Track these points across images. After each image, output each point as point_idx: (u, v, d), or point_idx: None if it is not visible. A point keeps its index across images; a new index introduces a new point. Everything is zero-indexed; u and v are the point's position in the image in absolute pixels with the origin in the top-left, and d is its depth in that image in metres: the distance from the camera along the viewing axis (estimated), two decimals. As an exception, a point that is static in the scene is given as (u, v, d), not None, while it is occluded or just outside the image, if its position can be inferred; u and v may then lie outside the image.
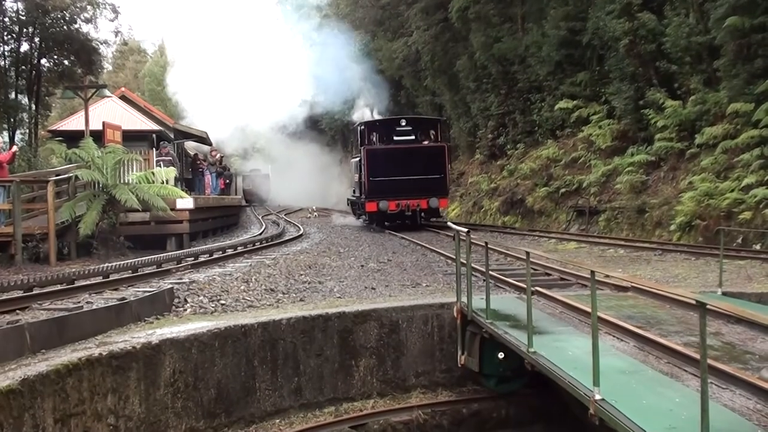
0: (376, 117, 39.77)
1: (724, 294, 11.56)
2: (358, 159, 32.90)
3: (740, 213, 19.13)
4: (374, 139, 32.05)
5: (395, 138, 31.45)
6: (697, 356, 6.29)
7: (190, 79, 56.67)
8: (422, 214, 31.26)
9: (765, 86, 20.04)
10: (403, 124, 32.03)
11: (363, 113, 42.92)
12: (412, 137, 31.54)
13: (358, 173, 32.73)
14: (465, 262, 11.36)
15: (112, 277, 14.28)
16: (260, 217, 41.76)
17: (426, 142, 31.60)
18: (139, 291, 12.76)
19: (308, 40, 57.34)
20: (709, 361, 6.13)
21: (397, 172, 29.99)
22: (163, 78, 72.34)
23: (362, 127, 32.97)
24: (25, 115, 41.17)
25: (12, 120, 39.40)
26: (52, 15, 40.11)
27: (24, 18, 39.75)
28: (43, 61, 41.88)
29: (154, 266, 16.24)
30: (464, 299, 11.05)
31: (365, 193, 30.81)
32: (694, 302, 5.50)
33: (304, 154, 67.63)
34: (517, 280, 13.43)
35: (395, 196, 30.03)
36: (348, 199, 40.21)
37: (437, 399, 11.64)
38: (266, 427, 10.53)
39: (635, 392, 6.78)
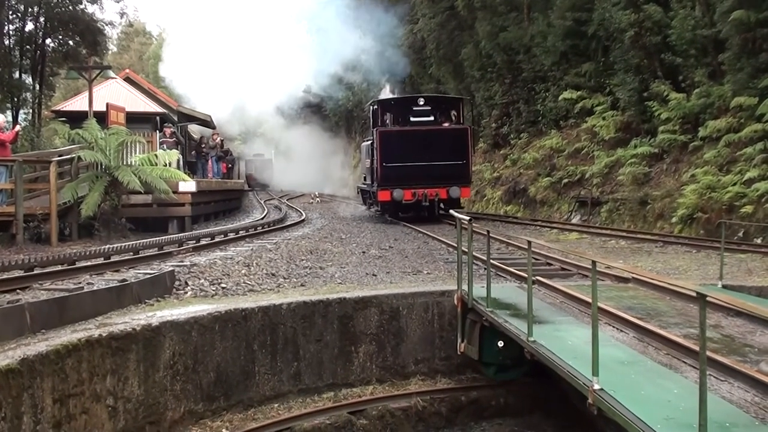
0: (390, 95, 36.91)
1: (725, 287, 11.58)
2: (370, 142, 29.85)
3: (742, 207, 19.14)
4: (388, 119, 28.98)
5: (412, 119, 28.29)
6: (697, 348, 6.29)
7: (188, 60, 56.35)
8: (441, 204, 27.71)
9: (769, 80, 20.06)
10: (421, 103, 28.79)
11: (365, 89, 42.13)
12: (431, 118, 28.41)
13: (369, 158, 29.75)
14: (466, 250, 11.37)
15: (114, 258, 14.29)
16: (262, 202, 41.72)
17: (446, 124, 28.52)
18: (140, 273, 12.77)
19: (313, 24, 57.24)
20: (709, 353, 6.15)
21: (414, 157, 26.95)
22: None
23: (374, 107, 29.72)
24: (28, 95, 41.15)
25: (16, 99, 39.37)
26: (58, -6, 40.11)
27: (29, -3, 39.70)
28: (48, 41, 41.82)
29: (156, 248, 16.25)
30: (465, 287, 11.07)
31: (377, 181, 27.81)
32: (694, 294, 5.50)
33: (307, 140, 67.62)
34: (518, 270, 13.44)
35: (411, 184, 26.92)
36: (358, 187, 38.20)
37: (436, 386, 11.66)
38: (265, 411, 10.56)
39: (634, 383, 6.80)
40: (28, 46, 40.69)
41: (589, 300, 7.48)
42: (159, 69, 66.91)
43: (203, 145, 37.59)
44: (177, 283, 12.59)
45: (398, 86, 46.72)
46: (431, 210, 28.22)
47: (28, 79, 41.56)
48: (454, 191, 27.13)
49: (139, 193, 22.23)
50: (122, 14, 52.24)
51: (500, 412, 11.52)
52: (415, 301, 11.96)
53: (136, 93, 34.52)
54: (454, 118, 29.09)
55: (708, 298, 5.39)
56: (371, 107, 30.59)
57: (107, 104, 25.55)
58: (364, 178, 32.97)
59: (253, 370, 10.75)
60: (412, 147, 27.15)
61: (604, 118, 28.04)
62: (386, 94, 40.40)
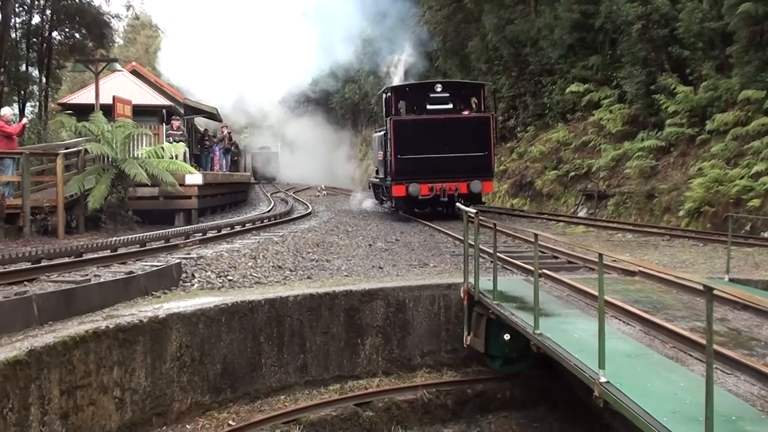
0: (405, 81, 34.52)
1: (731, 281, 11.54)
2: (383, 132, 27.52)
3: (749, 200, 19.11)
4: (402, 107, 26.44)
5: (429, 107, 25.78)
6: (703, 341, 6.30)
7: (187, 52, 56.09)
8: (461, 200, 23.50)
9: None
10: (439, 89, 26.24)
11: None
12: (450, 105, 25.87)
13: (382, 150, 27.47)
14: (473, 243, 11.36)
15: (120, 250, 14.31)
16: (269, 195, 41.76)
17: (466, 112, 26.06)
18: (146, 265, 12.79)
19: (319, 18, 57.17)
20: (715, 347, 6.14)
21: (431, 148, 24.71)
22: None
23: (388, 94, 27.35)
24: (35, 88, 41.18)
25: (22, 92, 39.43)
26: (64, -13, 40.13)
27: (36, -10, 39.72)
28: (55, 33, 41.83)
29: (162, 241, 16.27)
30: (471, 280, 11.06)
31: (392, 175, 25.40)
32: (701, 287, 5.50)
33: (313, 133, 67.53)
34: (524, 263, 13.45)
35: (428, 178, 24.62)
36: (369, 181, 36.33)
37: (442, 379, 11.68)
38: (271, 403, 10.58)
39: (640, 376, 6.80)
40: (34, 39, 40.69)
41: (596, 293, 7.47)
42: (157, 62, 66.12)
43: (206, 138, 37.60)
44: (184, 275, 12.62)
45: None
46: (450, 206, 24.96)
47: (35, 72, 41.59)
48: (475, 185, 24.80)
49: (146, 185, 22.24)
50: (128, 7, 52.18)
51: (506, 405, 11.53)
52: (421, 294, 11.97)
53: (143, 86, 34.51)
54: (474, 105, 26.68)
55: (715, 292, 5.39)
56: (384, 94, 28.37)
57: (114, 97, 25.56)
58: (377, 172, 31.02)
59: (260, 362, 10.77)
60: (429, 137, 24.99)
61: (611, 111, 27.99)
62: (399, 67, 39.23)
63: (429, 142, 24.84)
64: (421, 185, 24.59)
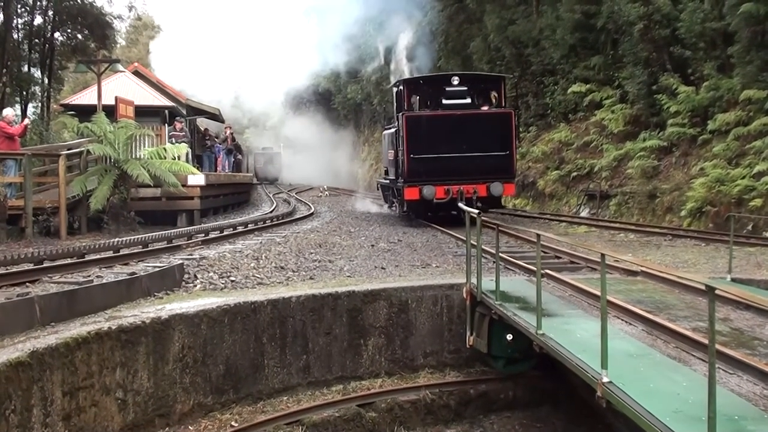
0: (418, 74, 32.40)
1: (734, 280, 11.55)
2: (394, 129, 25.15)
3: (751, 200, 19.11)
4: (416, 102, 23.84)
5: (444, 101, 23.49)
6: (705, 341, 6.30)
7: (183, 52, 55.79)
8: (479, 203, 21.58)
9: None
10: (455, 83, 23.79)
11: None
12: (468, 100, 23.61)
13: (393, 148, 25.16)
14: (475, 243, 11.36)
15: (123, 251, 14.32)
16: (271, 195, 41.80)
17: (486, 108, 23.73)
18: (149, 266, 12.79)
19: (322, 17, 57.07)
20: (718, 346, 6.15)
21: (447, 147, 22.63)
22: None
23: (400, 87, 24.72)
24: (37, 89, 41.25)
25: (24, 93, 39.48)
26: (66, -12, 40.16)
27: (38, -10, 39.77)
28: (57, 34, 41.89)
29: (165, 242, 16.27)
30: (474, 280, 11.07)
31: (403, 176, 23.13)
32: (703, 287, 5.50)
33: (315, 133, 67.57)
34: (527, 263, 13.45)
35: (444, 179, 22.43)
36: (378, 183, 33.80)
37: (445, 379, 11.69)
38: (274, 404, 10.59)
39: (643, 376, 6.80)
40: (36, 40, 40.76)
41: (598, 293, 7.47)
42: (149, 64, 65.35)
43: (207, 138, 37.55)
44: (186, 276, 12.63)
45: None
46: None
47: (37, 73, 41.66)
48: (495, 188, 22.60)
49: (148, 186, 22.23)
50: (131, 8, 52.09)
51: (509, 405, 11.55)
52: (423, 294, 11.97)
53: (145, 86, 34.51)
54: (494, 100, 24.18)
55: (717, 291, 5.39)
56: (395, 88, 25.86)
57: (116, 98, 25.53)
58: (386, 172, 28.49)
59: (263, 363, 10.78)
60: (445, 135, 22.82)
61: (612, 112, 28.00)
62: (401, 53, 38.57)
63: (445, 140, 22.84)
64: (436, 187, 22.42)
